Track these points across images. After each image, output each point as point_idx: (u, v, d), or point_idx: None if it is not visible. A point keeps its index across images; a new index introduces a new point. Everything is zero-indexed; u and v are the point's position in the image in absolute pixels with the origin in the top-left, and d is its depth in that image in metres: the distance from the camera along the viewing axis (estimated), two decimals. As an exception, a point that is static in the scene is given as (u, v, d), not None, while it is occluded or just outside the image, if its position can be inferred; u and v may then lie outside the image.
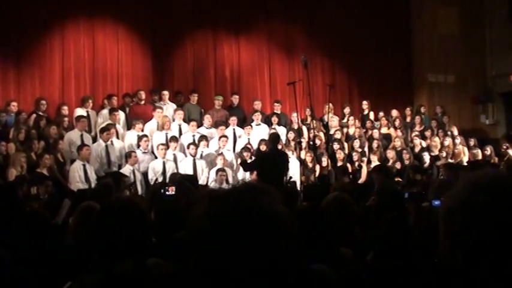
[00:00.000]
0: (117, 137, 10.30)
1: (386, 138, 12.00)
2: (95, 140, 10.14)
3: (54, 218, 5.43)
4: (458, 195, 1.24)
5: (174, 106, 11.52)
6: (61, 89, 11.48)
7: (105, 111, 10.90)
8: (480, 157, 11.62)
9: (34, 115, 10.26)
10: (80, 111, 10.65)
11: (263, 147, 10.31)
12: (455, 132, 12.59)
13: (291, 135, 10.98)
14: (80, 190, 8.22)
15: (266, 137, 10.85)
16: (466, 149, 11.93)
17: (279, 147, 9.81)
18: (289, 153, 10.02)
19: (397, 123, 12.34)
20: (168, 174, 9.49)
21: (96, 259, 2.21)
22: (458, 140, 12.06)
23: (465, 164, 11.18)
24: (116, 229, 2.12)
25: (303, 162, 10.05)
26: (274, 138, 9.13)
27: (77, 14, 11.71)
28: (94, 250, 2.24)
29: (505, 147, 11.57)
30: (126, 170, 9.32)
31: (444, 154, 11.42)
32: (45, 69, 11.42)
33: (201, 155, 10.30)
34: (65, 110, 10.62)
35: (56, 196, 7.53)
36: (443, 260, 1.26)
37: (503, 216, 1.18)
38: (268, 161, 8.52)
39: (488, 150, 11.73)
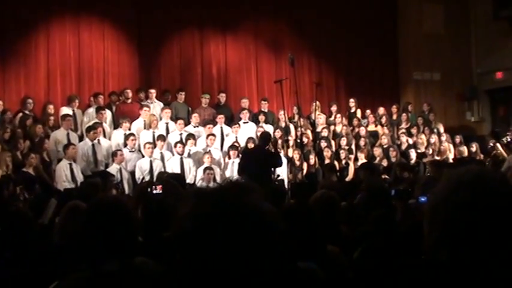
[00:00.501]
0: (104, 136, 10.25)
1: (373, 135, 12.06)
2: (81, 139, 10.08)
3: (40, 217, 5.39)
4: (442, 192, 1.25)
5: (161, 104, 11.48)
6: (47, 88, 11.38)
7: (92, 110, 10.83)
8: (466, 154, 11.73)
9: (20, 114, 10.17)
10: (65, 110, 10.58)
11: (250, 146, 10.31)
12: (442, 130, 12.67)
13: (278, 133, 10.99)
14: (67, 189, 8.17)
15: (254, 135, 10.86)
16: (451, 146, 12.03)
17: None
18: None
19: (383, 120, 12.40)
20: (155, 173, 9.46)
21: (82, 258, 2.19)
22: (444, 137, 12.15)
23: (451, 161, 11.28)
24: (103, 228, 2.11)
25: (290, 160, 10.06)
26: (265, 137, 9.05)
27: (63, 12, 11.61)
28: (81, 249, 2.22)
29: (491, 143, 11.67)
30: (113, 169, 9.27)
31: (430, 151, 11.50)
32: (30, 67, 11.31)
33: (189, 153, 10.28)
34: (51, 108, 10.54)
35: (42, 196, 7.46)
36: (429, 256, 1.27)
37: (485, 212, 1.19)
38: (252, 157, 8.46)
39: (474, 147, 11.84)
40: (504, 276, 1.19)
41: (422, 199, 4.34)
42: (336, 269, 2.86)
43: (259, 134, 10.64)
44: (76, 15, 11.73)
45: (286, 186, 9.04)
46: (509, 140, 11.60)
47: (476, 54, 14.44)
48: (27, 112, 10.26)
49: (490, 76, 13.98)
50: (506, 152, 10.95)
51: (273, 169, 8.41)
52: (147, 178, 9.37)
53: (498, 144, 11.25)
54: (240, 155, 9.67)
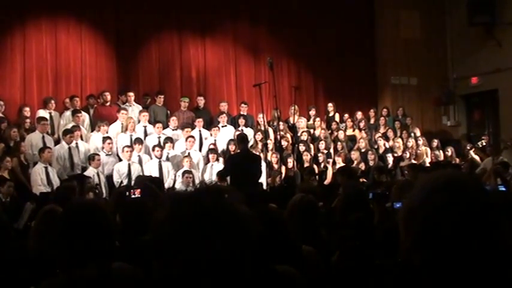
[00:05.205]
0: (81, 139, 10.14)
1: (351, 139, 12.14)
2: (58, 142, 9.95)
3: (16, 222, 5.31)
4: (417, 196, 1.27)
5: (140, 107, 11.41)
6: (22, 90, 11.22)
7: (68, 113, 10.71)
8: (442, 158, 11.87)
9: (-7, 116, 10.02)
10: (42, 113, 10.44)
11: (232, 148, 10.29)
12: (418, 133, 12.81)
13: (259, 136, 10.98)
14: (43, 193, 8.05)
15: (233, 138, 10.85)
16: (428, 149, 12.17)
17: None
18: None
19: (361, 124, 12.49)
20: (133, 177, 9.39)
21: (58, 263, 2.17)
22: (421, 141, 12.27)
23: (428, 164, 11.41)
24: (79, 232, 2.09)
25: (268, 164, 10.08)
26: (242, 138, 8.97)
27: (39, 13, 11.46)
28: (57, 254, 2.19)
29: (468, 148, 11.83)
30: (90, 172, 9.18)
31: (407, 155, 11.61)
32: (5, 69, 11.15)
33: (167, 157, 10.23)
34: (27, 111, 10.39)
35: (18, 200, 7.36)
36: (405, 259, 1.28)
37: (460, 214, 1.21)
38: (239, 162, 8.31)
39: (449, 151, 11.98)
40: (479, 279, 1.20)
41: (397, 205, 4.37)
42: (312, 270, 2.87)
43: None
44: (53, 16, 11.59)
45: (264, 189, 9.04)
46: (484, 144, 11.79)
47: (452, 60, 14.65)
48: (1, 115, 10.11)
49: (466, 81, 14.20)
50: (481, 157, 11.11)
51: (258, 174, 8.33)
52: (125, 182, 9.30)
53: (472, 152, 11.42)
54: (226, 159, 9.57)
